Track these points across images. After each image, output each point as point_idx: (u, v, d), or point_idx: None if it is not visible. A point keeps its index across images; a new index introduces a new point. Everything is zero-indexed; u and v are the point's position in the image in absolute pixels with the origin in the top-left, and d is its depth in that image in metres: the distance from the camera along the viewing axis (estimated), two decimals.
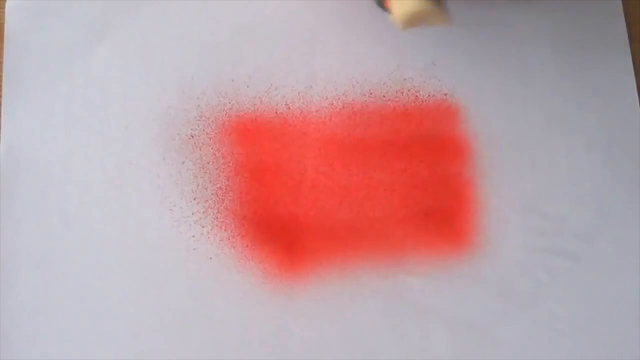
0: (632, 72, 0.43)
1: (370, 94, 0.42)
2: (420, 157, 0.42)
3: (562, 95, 0.43)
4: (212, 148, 0.41)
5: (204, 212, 0.40)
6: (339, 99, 0.42)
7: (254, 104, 0.42)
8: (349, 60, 0.43)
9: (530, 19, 0.44)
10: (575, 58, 0.43)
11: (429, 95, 0.43)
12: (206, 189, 0.41)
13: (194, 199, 0.41)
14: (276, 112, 0.42)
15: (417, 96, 0.42)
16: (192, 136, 0.41)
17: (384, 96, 0.42)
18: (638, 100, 0.43)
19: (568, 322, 0.39)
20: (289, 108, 0.42)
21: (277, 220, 0.40)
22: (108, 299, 0.39)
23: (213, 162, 0.41)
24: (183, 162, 0.41)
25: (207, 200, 0.41)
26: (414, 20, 0.34)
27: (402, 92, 0.42)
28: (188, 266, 0.40)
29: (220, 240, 0.40)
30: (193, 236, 0.40)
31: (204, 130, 0.42)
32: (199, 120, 0.42)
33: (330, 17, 0.43)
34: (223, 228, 0.40)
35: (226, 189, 0.41)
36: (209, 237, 0.40)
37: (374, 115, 0.42)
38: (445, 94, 0.43)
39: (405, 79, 0.43)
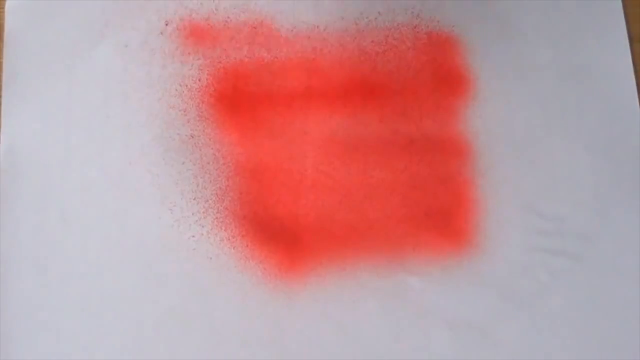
0: (632, 72, 0.43)
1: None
2: (420, 157, 0.42)
3: (562, 95, 0.43)
4: (212, 148, 0.41)
5: (204, 212, 0.40)
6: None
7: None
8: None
9: (530, 19, 0.44)
10: (575, 58, 0.43)
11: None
12: (206, 189, 0.41)
13: (194, 199, 0.41)
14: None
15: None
16: (192, 136, 0.41)
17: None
18: (638, 100, 0.43)
19: (568, 322, 0.39)
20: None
21: (277, 220, 0.40)
22: (108, 299, 0.39)
23: (213, 162, 0.41)
24: (183, 162, 0.41)
25: (207, 200, 0.41)
26: None
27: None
28: (188, 266, 0.40)
29: (220, 240, 0.40)
30: (193, 236, 0.40)
31: (204, 130, 0.42)
32: (199, 120, 0.42)
33: None
34: (223, 228, 0.40)
35: (226, 189, 0.41)
36: (208, 237, 0.40)
37: (374, 110, 0.42)
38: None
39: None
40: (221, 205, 0.41)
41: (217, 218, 0.40)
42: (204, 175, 0.41)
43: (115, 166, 0.41)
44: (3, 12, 0.43)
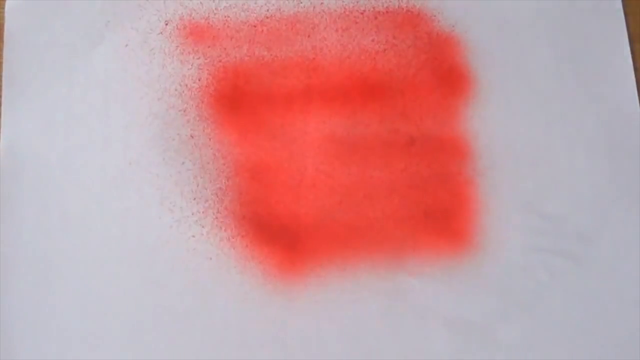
0: (632, 72, 0.43)
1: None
2: (420, 157, 0.42)
3: (562, 95, 0.43)
4: (211, 148, 0.41)
5: (203, 212, 0.40)
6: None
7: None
8: None
9: (530, 19, 0.44)
10: (575, 58, 0.43)
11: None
12: (206, 189, 0.41)
13: (194, 199, 0.41)
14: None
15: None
16: (192, 136, 0.41)
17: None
18: (638, 100, 0.43)
19: (568, 322, 0.39)
20: None
21: (277, 220, 0.40)
22: (108, 299, 0.39)
23: (213, 162, 0.41)
24: (183, 162, 0.41)
25: (206, 200, 0.41)
26: None
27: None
28: (188, 266, 0.40)
29: (220, 240, 0.40)
30: (193, 236, 0.40)
31: (203, 130, 0.42)
32: (198, 120, 0.42)
33: None
34: (223, 228, 0.40)
35: (226, 189, 0.41)
36: (208, 237, 0.40)
37: (373, 110, 0.42)
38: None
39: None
40: (221, 205, 0.41)
41: (217, 218, 0.40)
42: (203, 175, 0.41)
43: (115, 166, 0.41)
44: (3, 12, 0.43)
